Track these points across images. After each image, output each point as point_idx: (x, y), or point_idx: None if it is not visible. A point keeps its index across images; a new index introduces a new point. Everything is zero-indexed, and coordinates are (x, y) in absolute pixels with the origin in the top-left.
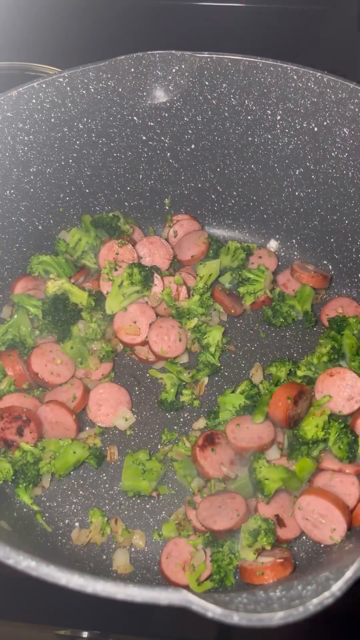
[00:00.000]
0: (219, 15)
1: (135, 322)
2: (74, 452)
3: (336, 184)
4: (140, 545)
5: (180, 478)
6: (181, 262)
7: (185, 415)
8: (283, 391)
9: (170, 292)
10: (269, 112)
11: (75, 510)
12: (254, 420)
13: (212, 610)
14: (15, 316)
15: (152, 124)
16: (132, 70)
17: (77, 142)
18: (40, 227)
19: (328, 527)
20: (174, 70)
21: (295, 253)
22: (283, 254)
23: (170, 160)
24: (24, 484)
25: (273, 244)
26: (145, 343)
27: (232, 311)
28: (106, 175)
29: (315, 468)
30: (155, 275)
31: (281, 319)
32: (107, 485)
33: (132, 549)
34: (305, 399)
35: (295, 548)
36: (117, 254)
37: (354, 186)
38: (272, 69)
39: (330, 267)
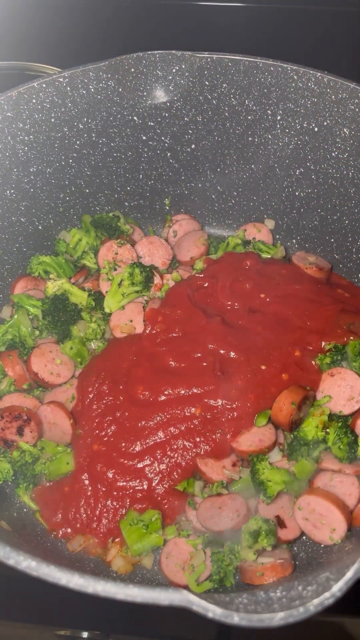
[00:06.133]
0: (219, 15)
1: (131, 321)
2: (67, 463)
3: (336, 184)
4: (147, 565)
5: (181, 487)
6: (180, 263)
7: None
8: (288, 396)
9: (168, 288)
10: (269, 112)
11: None
12: (256, 424)
13: (212, 610)
14: (15, 316)
15: (152, 124)
16: (132, 70)
17: (77, 142)
18: (40, 227)
19: (328, 527)
20: (174, 70)
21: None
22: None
23: (170, 160)
24: (24, 484)
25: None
26: None
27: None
28: (106, 175)
29: (316, 469)
30: (154, 273)
31: None
32: None
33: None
34: (308, 403)
35: (295, 548)
36: (116, 253)
37: (354, 186)
38: (272, 69)
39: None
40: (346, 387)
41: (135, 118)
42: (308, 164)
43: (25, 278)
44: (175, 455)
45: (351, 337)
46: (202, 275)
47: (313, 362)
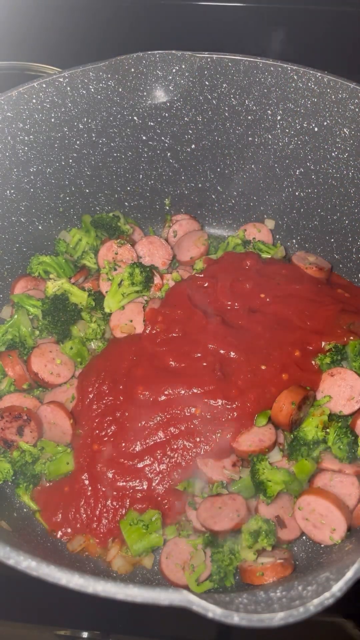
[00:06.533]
0: (219, 15)
1: (131, 321)
2: (67, 463)
3: (336, 184)
4: (147, 565)
5: (181, 487)
6: (180, 263)
7: None
8: (288, 396)
9: (168, 288)
10: (269, 112)
11: None
12: (256, 423)
13: (212, 610)
14: (15, 316)
15: (152, 124)
16: (132, 70)
17: (77, 142)
18: (40, 227)
19: (328, 527)
20: (174, 70)
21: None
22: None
23: (171, 160)
24: (24, 484)
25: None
26: None
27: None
28: (106, 175)
29: (316, 468)
30: (154, 273)
31: None
32: None
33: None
34: (308, 403)
35: (296, 548)
36: (116, 253)
37: (354, 186)
38: (272, 69)
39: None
40: (346, 387)
41: (135, 118)
42: (308, 164)
43: (25, 278)
44: (175, 455)
45: (351, 337)
46: (202, 275)
47: (313, 362)
